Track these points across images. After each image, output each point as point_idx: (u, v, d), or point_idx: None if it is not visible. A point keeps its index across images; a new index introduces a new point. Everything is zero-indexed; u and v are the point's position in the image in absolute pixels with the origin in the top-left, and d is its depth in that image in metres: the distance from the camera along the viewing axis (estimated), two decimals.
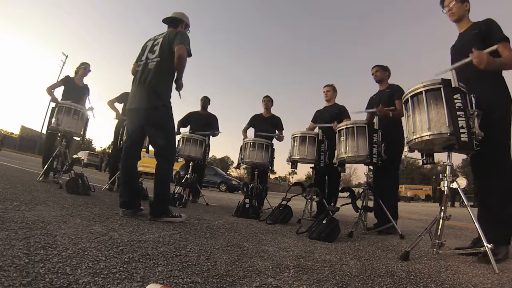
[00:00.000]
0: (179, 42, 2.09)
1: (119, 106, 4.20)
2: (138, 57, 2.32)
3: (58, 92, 3.99)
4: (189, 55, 2.18)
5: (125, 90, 4.32)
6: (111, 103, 4.12)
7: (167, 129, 2.18)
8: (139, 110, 2.16)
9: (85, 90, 4.16)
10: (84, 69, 4.17)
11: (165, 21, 2.39)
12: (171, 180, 2.24)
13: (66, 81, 4.04)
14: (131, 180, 2.20)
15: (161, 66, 2.14)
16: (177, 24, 2.36)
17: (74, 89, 4.02)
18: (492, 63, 1.64)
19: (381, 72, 3.03)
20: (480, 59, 1.63)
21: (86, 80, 4.26)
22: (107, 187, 4.01)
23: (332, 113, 3.49)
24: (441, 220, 1.63)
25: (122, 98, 4.20)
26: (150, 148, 4.19)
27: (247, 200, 3.14)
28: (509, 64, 1.74)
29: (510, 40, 1.77)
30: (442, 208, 1.65)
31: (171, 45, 2.12)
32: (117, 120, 4.18)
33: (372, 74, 3.09)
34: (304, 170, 58.34)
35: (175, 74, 2.23)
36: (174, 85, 2.30)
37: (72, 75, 4.17)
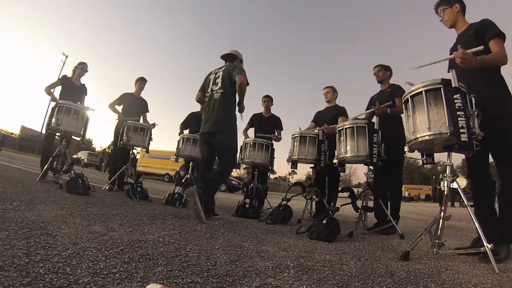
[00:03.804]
0: (239, 72, 2.54)
1: (119, 108, 4.20)
2: (201, 87, 2.81)
3: (56, 92, 3.99)
4: (247, 83, 2.59)
5: (125, 91, 4.34)
6: (112, 106, 4.13)
7: (231, 149, 2.64)
8: (209, 134, 2.64)
9: (82, 90, 4.15)
10: (81, 69, 4.15)
11: (222, 57, 2.85)
12: (223, 181, 2.40)
13: (63, 81, 4.03)
14: (208, 192, 2.51)
15: (224, 97, 2.60)
16: (232, 59, 2.81)
17: (71, 89, 4.01)
18: (474, 62, 1.62)
19: (383, 72, 3.04)
20: (462, 58, 1.61)
21: (83, 80, 4.24)
22: (107, 187, 4.01)
23: (332, 114, 3.50)
24: (441, 220, 1.63)
25: (121, 99, 4.21)
26: (150, 148, 4.22)
27: (247, 200, 3.14)
28: (495, 61, 1.71)
29: (505, 35, 1.74)
30: (442, 208, 1.65)
31: (231, 77, 2.57)
32: (117, 121, 4.18)
33: (374, 74, 3.09)
34: (304, 170, 58.37)
35: (236, 100, 2.69)
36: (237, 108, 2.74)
37: (70, 75, 4.17)
